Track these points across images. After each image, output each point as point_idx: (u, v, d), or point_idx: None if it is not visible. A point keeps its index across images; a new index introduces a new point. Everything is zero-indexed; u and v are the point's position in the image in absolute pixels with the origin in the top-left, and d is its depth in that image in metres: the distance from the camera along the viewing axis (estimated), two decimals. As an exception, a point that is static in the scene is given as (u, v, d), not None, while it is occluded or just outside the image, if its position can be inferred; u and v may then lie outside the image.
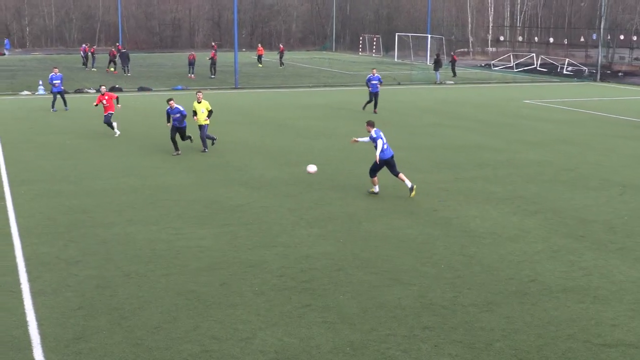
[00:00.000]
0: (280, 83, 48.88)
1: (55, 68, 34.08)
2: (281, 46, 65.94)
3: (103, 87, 26.85)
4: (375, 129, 17.72)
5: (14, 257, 13.09)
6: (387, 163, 17.57)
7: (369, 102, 33.36)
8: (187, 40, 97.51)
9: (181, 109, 22.57)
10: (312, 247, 13.76)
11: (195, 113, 23.10)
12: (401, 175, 17.77)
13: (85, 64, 58.95)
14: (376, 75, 33.25)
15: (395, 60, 71.95)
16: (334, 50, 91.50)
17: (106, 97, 26.05)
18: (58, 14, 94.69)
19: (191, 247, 13.77)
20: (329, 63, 68.51)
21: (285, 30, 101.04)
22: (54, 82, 32.69)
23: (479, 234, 14.68)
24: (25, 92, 41.31)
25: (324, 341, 9.79)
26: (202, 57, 57.69)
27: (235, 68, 47.41)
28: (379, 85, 33.14)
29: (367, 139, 17.88)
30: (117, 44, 61.38)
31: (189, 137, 23.24)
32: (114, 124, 26.34)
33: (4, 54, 77.62)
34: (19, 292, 11.42)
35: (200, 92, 23.90)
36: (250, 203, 17.03)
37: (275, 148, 24.33)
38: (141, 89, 43.90)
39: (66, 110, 32.94)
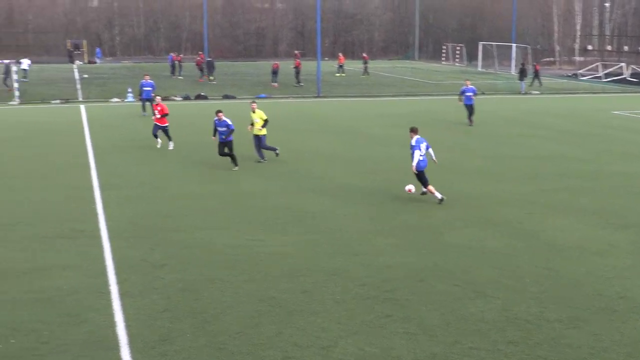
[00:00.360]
0: (362, 92, 48.93)
1: (146, 75, 35.49)
2: (365, 55, 65.86)
3: (158, 97, 26.58)
4: (417, 136, 17.83)
5: (103, 260, 13.50)
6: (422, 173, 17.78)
7: (469, 114, 32.10)
8: (270, 49, 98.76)
9: (229, 122, 21.64)
10: (393, 257, 13.70)
11: (252, 124, 23.04)
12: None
13: (173, 72, 60.39)
14: (470, 86, 32.12)
15: (479, 69, 71.06)
16: (416, 59, 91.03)
17: (159, 108, 25.16)
18: (147, 24, 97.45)
19: (272, 253, 13.90)
20: (411, 72, 68.22)
21: (368, 39, 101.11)
22: (144, 88, 33.99)
23: (565, 248, 14.31)
24: (115, 99, 42.64)
25: (405, 352, 9.72)
26: (285, 66, 58.31)
27: (318, 77, 47.71)
28: (473, 97, 32.01)
29: (418, 157, 17.61)
30: (200, 52, 62.75)
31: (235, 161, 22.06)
32: (158, 140, 25.51)
33: (96, 62, 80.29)
34: (107, 294, 11.77)
35: (254, 102, 23.79)
36: (331, 211, 17.08)
37: (356, 156, 24.35)
38: (226, 97, 44.66)
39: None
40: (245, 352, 9.71)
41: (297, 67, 52.81)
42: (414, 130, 18.02)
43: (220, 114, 21.78)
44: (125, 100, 42.10)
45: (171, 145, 25.35)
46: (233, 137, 21.79)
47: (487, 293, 11.81)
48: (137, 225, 15.89)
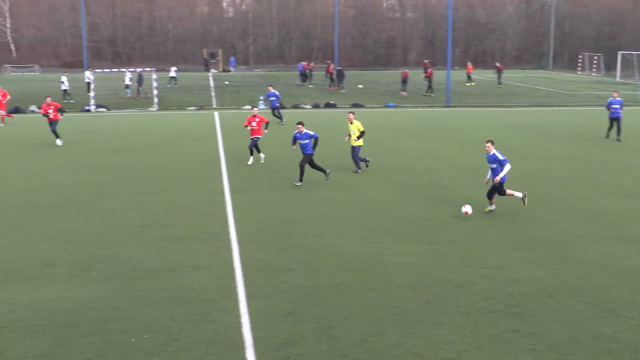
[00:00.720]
0: (493, 102, 48.02)
1: (270, 86, 37.35)
2: (499, 65, 64.52)
3: (255, 108, 25.35)
4: (496, 149, 17.50)
5: (232, 262, 13.88)
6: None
7: (610, 128, 30.45)
8: (400, 58, 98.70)
9: (311, 133, 20.89)
10: (522, 271, 13.34)
11: (350, 135, 22.94)
12: (509, 191, 17.83)
13: (303, 80, 61.43)
14: (617, 98, 30.39)
15: (617, 79, 68.17)
16: (550, 69, 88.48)
17: (257, 119, 24.35)
18: (280, 33, 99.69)
19: (398, 262, 13.85)
20: (544, 82, 66.35)
21: (500, 48, 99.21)
22: (270, 98, 36.19)
23: None
24: (247, 107, 43.83)
25: (531, 369, 9.44)
26: (415, 75, 58.10)
27: (448, 86, 47.27)
28: (620, 110, 30.23)
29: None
30: (328, 61, 63.63)
31: (325, 172, 21.34)
32: (261, 154, 24.82)
33: (230, 71, 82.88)
34: (235, 295, 12.09)
35: (351, 113, 23.51)
36: (459, 222, 16.84)
37: (483, 168, 23.84)
38: (354, 105, 44.95)
39: (282, 123, 34.78)
40: (366, 359, 9.72)
41: (429, 77, 52.47)
42: (492, 142, 17.61)
43: (299, 126, 20.98)
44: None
45: (262, 158, 24.76)
46: (314, 151, 21.01)
47: (621, 312, 11.29)
48: (265, 229, 16.24)
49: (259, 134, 24.38)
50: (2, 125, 35.72)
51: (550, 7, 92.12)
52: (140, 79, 50.48)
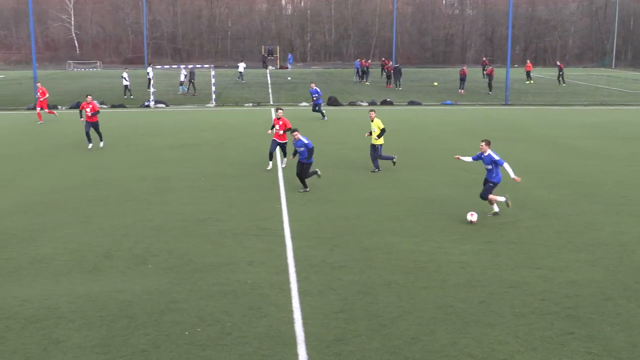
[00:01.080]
0: (553, 100, 47.23)
1: (312, 83, 38.38)
2: (559, 63, 63.39)
3: (280, 110, 23.70)
4: (491, 150, 16.95)
5: (286, 258, 13.96)
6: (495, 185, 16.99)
7: None
8: (458, 55, 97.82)
9: (306, 141, 19.58)
10: (579, 273, 13.09)
11: (371, 132, 22.60)
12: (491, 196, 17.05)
13: (361, 77, 61.38)
14: None
15: (684, 78, 66.35)
16: (613, 67, 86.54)
17: (280, 123, 22.94)
18: (337, 30, 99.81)
19: (452, 261, 13.74)
20: (607, 80, 64.93)
21: (561, 46, 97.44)
22: (312, 95, 36.91)
23: None
24: (304, 104, 44.02)
25: (586, 373, 9.26)
26: (473, 73, 57.48)
27: (507, 84, 46.64)
28: None
29: (469, 158, 17.38)
30: (384, 59, 63.58)
31: (316, 172, 20.31)
32: (285, 159, 23.58)
33: (287, 68, 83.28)
34: (288, 291, 12.15)
35: (372, 111, 22.99)
36: (515, 222, 16.61)
37: (543, 166, 23.51)
38: (411, 103, 44.74)
39: (323, 119, 35.43)
40: (418, 358, 9.66)
41: (489, 75, 51.92)
42: (488, 143, 16.96)
43: (295, 133, 19.79)
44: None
45: (284, 163, 23.51)
46: (313, 159, 20.01)
47: (681, 317, 11.00)
48: (318, 226, 16.28)
49: (284, 140, 23.12)
50: (57, 116, 36.77)
51: (615, 4, 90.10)
52: (191, 76, 51.22)
